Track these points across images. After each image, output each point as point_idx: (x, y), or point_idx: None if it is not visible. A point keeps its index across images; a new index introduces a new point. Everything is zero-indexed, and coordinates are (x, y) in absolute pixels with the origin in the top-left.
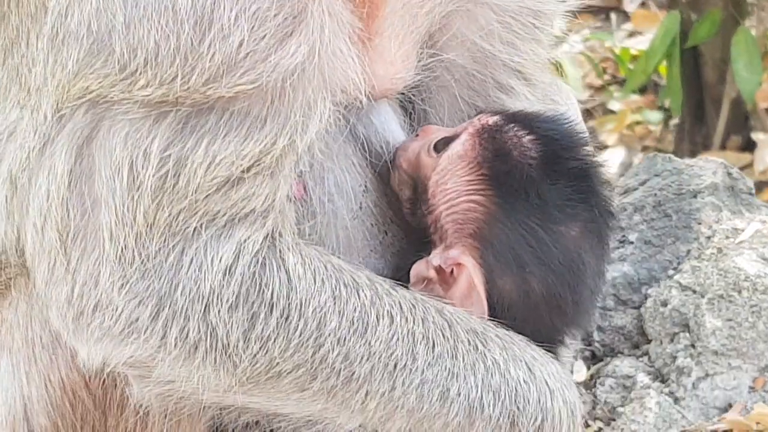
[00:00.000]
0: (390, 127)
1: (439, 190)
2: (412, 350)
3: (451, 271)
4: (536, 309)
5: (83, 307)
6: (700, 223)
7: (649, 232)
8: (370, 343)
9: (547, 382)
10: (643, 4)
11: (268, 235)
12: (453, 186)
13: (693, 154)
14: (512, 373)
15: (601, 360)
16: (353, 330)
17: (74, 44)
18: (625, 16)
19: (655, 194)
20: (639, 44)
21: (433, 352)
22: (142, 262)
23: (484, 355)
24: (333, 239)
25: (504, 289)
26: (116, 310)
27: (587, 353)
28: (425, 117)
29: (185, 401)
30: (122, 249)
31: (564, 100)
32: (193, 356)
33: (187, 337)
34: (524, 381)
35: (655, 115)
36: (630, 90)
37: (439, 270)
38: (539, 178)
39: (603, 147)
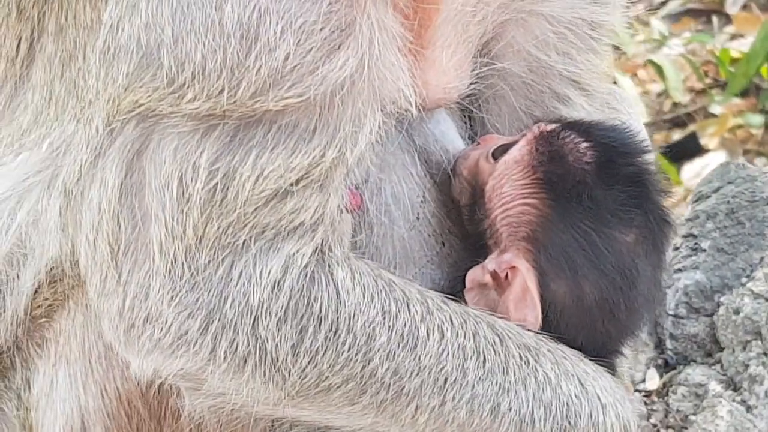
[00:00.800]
0: (449, 136)
1: (495, 194)
2: (463, 365)
3: (506, 276)
4: (589, 314)
5: (134, 320)
6: None
7: (722, 240)
8: (419, 358)
9: (599, 397)
10: (745, 7)
11: (317, 248)
12: (508, 190)
13: None
14: (564, 388)
15: (674, 368)
16: (403, 345)
17: (124, 58)
18: (727, 19)
19: (728, 202)
20: (741, 47)
21: (483, 366)
22: (191, 275)
23: (536, 369)
24: (390, 250)
25: (557, 292)
26: (166, 323)
27: (660, 361)
28: (483, 126)
29: (237, 413)
30: (172, 262)
31: (626, 109)
32: (242, 369)
33: (236, 350)
34: (576, 396)
35: (757, 119)
36: (731, 93)
37: (494, 275)
38: (593, 182)
39: (704, 151)
